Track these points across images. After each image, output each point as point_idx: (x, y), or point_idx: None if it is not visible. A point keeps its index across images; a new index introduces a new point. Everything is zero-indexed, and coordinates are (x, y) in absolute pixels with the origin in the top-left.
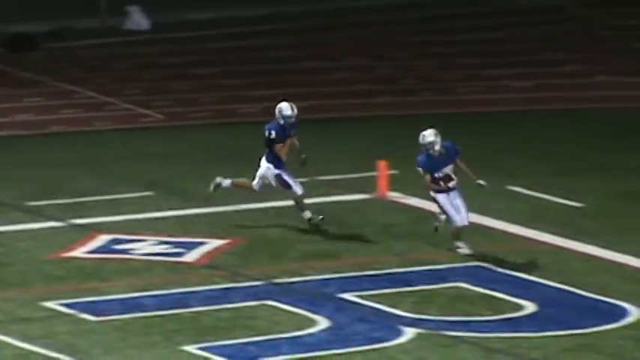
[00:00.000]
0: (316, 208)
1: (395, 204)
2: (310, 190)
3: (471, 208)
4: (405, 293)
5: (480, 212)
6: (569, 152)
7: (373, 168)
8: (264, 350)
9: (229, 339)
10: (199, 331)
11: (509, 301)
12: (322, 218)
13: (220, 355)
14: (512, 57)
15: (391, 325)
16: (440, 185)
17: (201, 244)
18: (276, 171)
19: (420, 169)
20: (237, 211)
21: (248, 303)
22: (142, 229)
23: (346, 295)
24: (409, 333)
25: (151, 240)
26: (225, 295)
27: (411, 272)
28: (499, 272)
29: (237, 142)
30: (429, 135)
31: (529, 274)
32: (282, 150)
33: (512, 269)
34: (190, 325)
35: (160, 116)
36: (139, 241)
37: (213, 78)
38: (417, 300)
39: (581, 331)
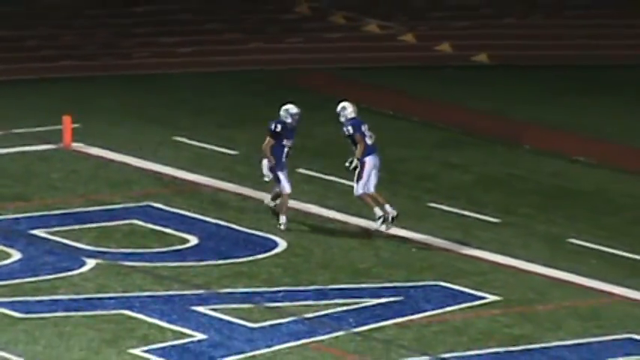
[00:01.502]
0: (10, 157)
1: (78, 153)
2: (5, 142)
3: (142, 156)
4: (87, 229)
5: (151, 159)
6: (226, 108)
7: (59, 122)
8: None
9: None
10: None
11: (176, 236)
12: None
13: None
14: (181, 27)
15: (75, 257)
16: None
17: None
18: (271, 163)
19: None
20: None
21: None
22: None
23: (36, 232)
24: (91, 263)
25: None
26: None
27: (92, 211)
28: (167, 211)
29: None
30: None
31: (193, 212)
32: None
33: (178, 208)
34: None
35: None
36: None
37: None
38: (97, 235)
39: (237, 260)
